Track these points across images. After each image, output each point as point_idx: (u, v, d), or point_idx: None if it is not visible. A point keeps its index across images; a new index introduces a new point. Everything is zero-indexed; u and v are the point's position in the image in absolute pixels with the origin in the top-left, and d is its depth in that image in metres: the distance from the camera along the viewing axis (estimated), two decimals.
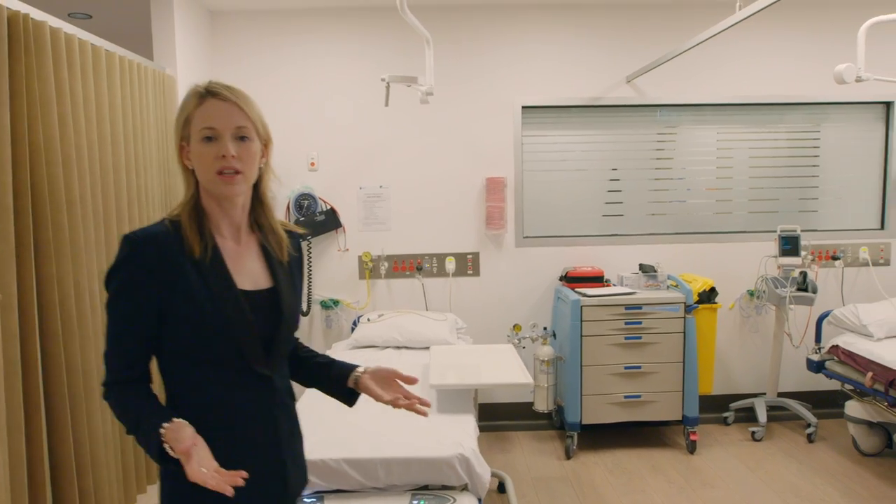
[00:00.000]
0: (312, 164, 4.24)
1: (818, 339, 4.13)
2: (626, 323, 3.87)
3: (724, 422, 4.35)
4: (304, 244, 4.11)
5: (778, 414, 4.38)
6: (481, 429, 4.26)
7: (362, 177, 4.27)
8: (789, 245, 4.05)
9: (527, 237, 4.35)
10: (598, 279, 4.15)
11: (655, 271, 4.11)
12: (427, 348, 3.65)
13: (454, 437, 2.53)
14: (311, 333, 4.33)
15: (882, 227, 4.49)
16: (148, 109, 3.26)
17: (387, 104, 3.33)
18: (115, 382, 1.35)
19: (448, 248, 4.30)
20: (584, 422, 3.90)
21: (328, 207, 4.22)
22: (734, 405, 4.35)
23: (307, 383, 1.65)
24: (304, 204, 4.13)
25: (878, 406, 3.66)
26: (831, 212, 4.52)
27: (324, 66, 4.19)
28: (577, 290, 4.02)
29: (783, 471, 3.68)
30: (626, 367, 3.89)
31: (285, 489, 1.46)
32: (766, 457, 3.86)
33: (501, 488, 3.52)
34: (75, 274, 2.52)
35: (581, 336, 3.85)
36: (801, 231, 4.34)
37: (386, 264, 4.27)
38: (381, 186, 4.27)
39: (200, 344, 1.34)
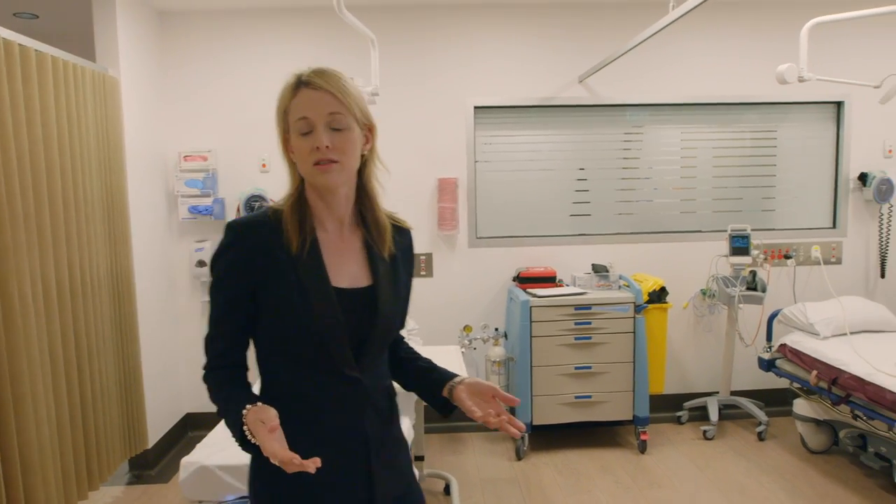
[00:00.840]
0: (264, 165, 4.21)
1: (769, 337, 4.15)
2: (576, 323, 3.87)
3: (678, 421, 4.36)
4: None
5: (731, 412, 4.41)
6: (434, 430, 4.28)
7: None
8: (739, 244, 4.06)
9: (481, 238, 4.34)
10: (550, 279, 4.14)
11: (607, 271, 4.11)
12: None
13: None
14: None
15: (834, 226, 4.52)
16: (86, 111, 3.22)
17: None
18: (212, 367, 1.36)
19: None
20: (534, 422, 3.90)
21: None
22: (688, 404, 4.36)
23: (405, 386, 1.58)
24: (254, 205, 4.10)
25: (823, 404, 3.68)
26: (788, 211, 4.55)
27: (275, 67, 4.15)
28: (528, 290, 4.01)
29: (731, 469, 3.70)
30: (576, 368, 3.89)
31: (372, 494, 1.39)
32: (717, 455, 3.87)
33: (447, 490, 3.51)
34: (3, 276, 2.49)
35: (531, 336, 3.84)
36: (758, 230, 4.39)
37: None
38: None
39: (288, 339, 1.33)
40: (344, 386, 1.36)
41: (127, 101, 3.64)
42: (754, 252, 4.36)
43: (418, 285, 4.30)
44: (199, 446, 2.56)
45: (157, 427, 3.91)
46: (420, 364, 1.56)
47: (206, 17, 4.13)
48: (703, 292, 4.33)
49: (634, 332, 3.88)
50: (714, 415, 4.14)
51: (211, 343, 1.37)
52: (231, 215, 4.18)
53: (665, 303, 4.04)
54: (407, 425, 2.76)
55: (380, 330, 1.38)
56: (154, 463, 3.85)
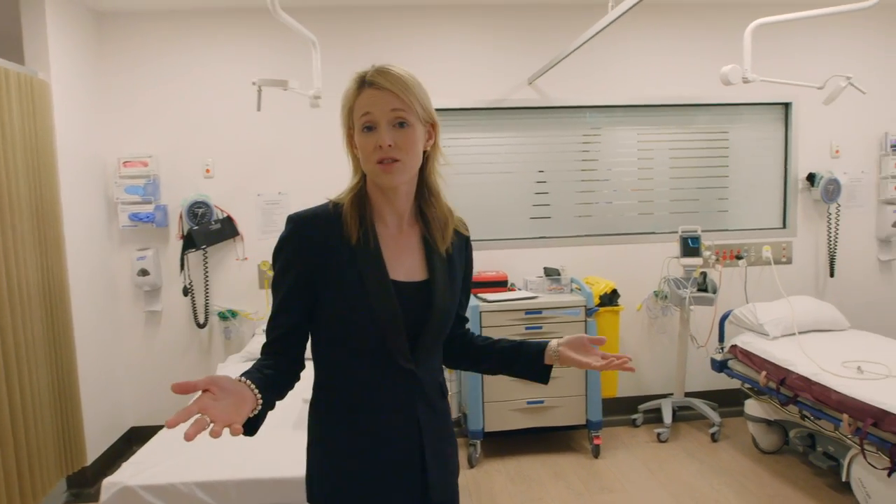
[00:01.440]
0: (208, 170, 4.10)
1: (721, 338, 4.15)
2: (527, 328, 3.82)
3: (633, 423, 4.34)
4: (199, 254, 4.02)
5: (686, 414, 4.40)
6: None
7: (260, 183, 4.14)
8: (690, 245, 4.06)
9: None
10: (501, 283, 4.09)
11: (559, 274, 4.08)
12: None
13: None
14: (210, 346, 4.19)
15: (784, 227, 4.54)
16: (12, 115, 3.09)
17: (259, 108, 3.22)
18: (265, 351, 1.38)
19: None
20: (487, 429, 3.84)
21: (224, 215, 4.08)
22: (642, 407, 4.34)
23: (492, 370, 1.61)
24: (198, 212, 3.98)
25: (773, 405, 3.68)
26: (740, 211, 4.56)
27: (217, 70, 4.05)
28: (478, 295, 3.96)
29: (683, 472, 3.68)
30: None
31: (425, 487, 1.41)
32: (669, 458, 3.85)
33: None
34: None
35: None
36: (711, 231, 4.40)
37: None
38: (279, 193, 4.15)
39: (345, 330, 1.35)
40: (399, 378, 1.38)
41: (59, 105, 3.51)
42: (706, 253, 4.37)
43: None
44: (124, 465, 2.45)
45: (97, 442, 3.77)
46: (503, 345, 1.58)
47: (145, 19, 4.01)
48: (656, 294, 4.31)
49: None
50: (667, 417, 4.13)
51: (271, 328, 1.39)
52: (174, 222, 4.07)
53: (617, 305, 4.02)
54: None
55: (434, 324, 1.40)
56: (93, 481, 3.70)
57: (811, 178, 4.43)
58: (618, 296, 4.03)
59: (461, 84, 4.20)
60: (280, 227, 4.03)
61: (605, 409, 4.29)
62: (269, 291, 4.09)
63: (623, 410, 4.39)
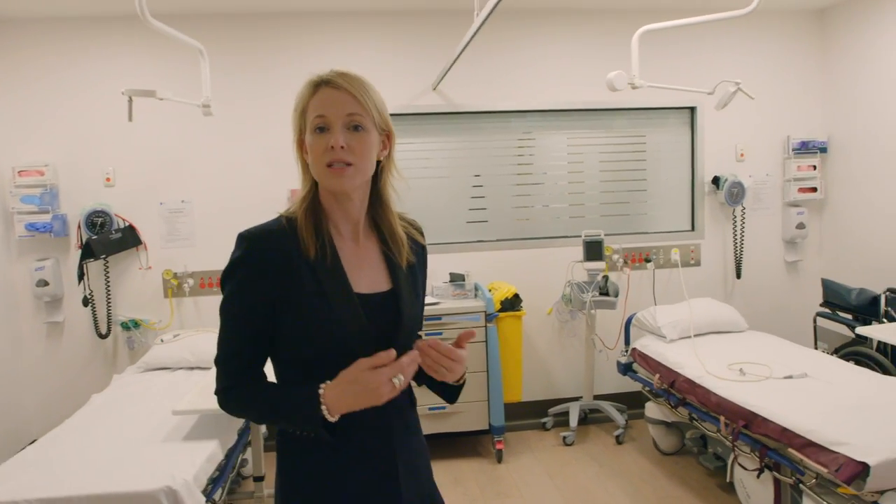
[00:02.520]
0: (108, 179, 4.05)
1: (626, 341, 4.19)
2: (427, 334, 3.82)
3: (544, 427, 4.36)
4: (101, 264, 3.97)
5: (596, 416, 4.43)
6: None
7: (163, 191, 4.10)
8: (593, 249, 4.09)
9: None
10: None
11: (464, 280, 4.09)
12: None
13: (173, 468, 2.41)
14: (114, 356, 4.13)
15: (693, 229, 4.60)
16: None
17: (130, 119, 3.18)
18: (232, 386, 1.29)
19: None
20: None
21: (126, 224, 4.04)
22: (552, 410, 4.37)
23: (417, 381, 1.46)
24: (97, 221, 3.93)
25: (667, 407, 3.72)
26: (656, 214, 4.62)
27: (116, 79, 3.98)
28: None
29: (581, 475, 3.70)
30: None
31: (399, 499, 1.36)
32: (572, 461, 3.88)
33: None
34: None
35: None
36: (626, 234, 4.45)
37: (191, 281, 4.11)
38: (182, 201, 4.11)
39: (311, 349, 1.28)
40: None
41: None
42: (615, 257, 4.42)
43: None
44: None
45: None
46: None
47: (37, 25, 3.94)
48: (563, 298, 4.34)
49: (486, 341, 3.86)
50: (574, 420, 4.15)
51: (227, 363, 1.30)
52: (73, 232, 4.01)
53: (518, 310, 4.04)
54: (208, 452, 2.64)
55: (403, 334, 1.35)
56: None
57: (716, 181, 4.49)
58: (520, 301, 4.04)
59: None
60: (184, 235, 4.00)
61: (517, 414, 4.34)
62: (172, 300, 4.09)
63: (534, 414, 4.41)
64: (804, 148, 4.53)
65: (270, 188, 4.15)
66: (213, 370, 1.34)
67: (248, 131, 4.12)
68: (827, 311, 4.16)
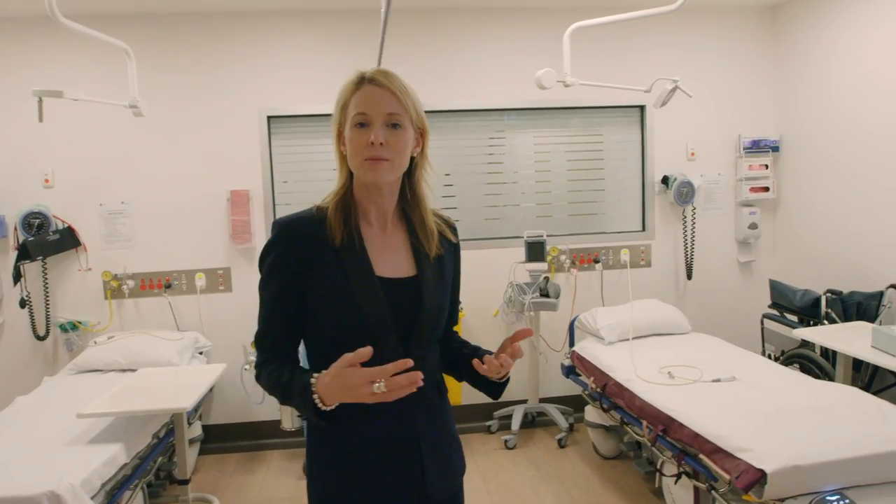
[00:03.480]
0: (47, 180, 4.03)
1: (571, 343, 4.13)
2: None
3: (488, 430, 4.31)
4: (38, 265, 3.95)
5: (543, 419, 4.38)
6: (237, 449, 4.13)
7: (103, 193, 4.08)
8: (534, 250, 4.04)
9: None
10: None
11: None
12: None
13: (62, 472, 2.38)
14: (54, 358, 4.11)
15: (643, 229, 4.54)
16: None
17: (40, 119, 3.14)
18: (265, 362, 1.38)
19: (198, 264, 4.15)
20: None
21: (65, 226, 4.01)
22: (497, 413, 4.32)
23: (458, 377, 1.57)
24: (34, 223, 3.91)
25: (603, 410, 3.66)
26: (614, 214, 4.56)
27: (58, 78, 3.95)
28: None
29: (516, 480, 3.65)
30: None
31: (423, 487, 1.41)
32: (509, 466, 3.83)
33: None
34: None
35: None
36: (579, 234, 4.42)
37: (131, 283, 4.08)
38: (122, 202, 4.09)
39: (335, 330, 1.35)
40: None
41: None
42: (562, 257, 4.36)
43: (218, 300, 4.18)
44: None
45: None
46: (465, 351, 1.54)
47: None
48: (505, 300, 4.29)
49: None
50: (516, 424, 4.10)
51: (261, 340, 1.40)
52: (10, 234, 3.99)
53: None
54: (107, 455, 2.61)
55: (425, 320, 1.39)
56: None
57: (665, 180, 4.42)
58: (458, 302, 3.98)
59: (311, 90, 4.15)
60: (124, 236, 3.98)
61: (462, 416, 4.28)
62: (111, 302, 4.07)
63: (480, 417, 4.36)
64: (755, 147, 4.46)
65: (213, 190, 4.12)
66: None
67: (187, 132, 4.09)
68: (774, 312, 4.09)
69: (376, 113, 1.31)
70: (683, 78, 4.34)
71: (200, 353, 4.04)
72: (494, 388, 1.52)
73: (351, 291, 1.33)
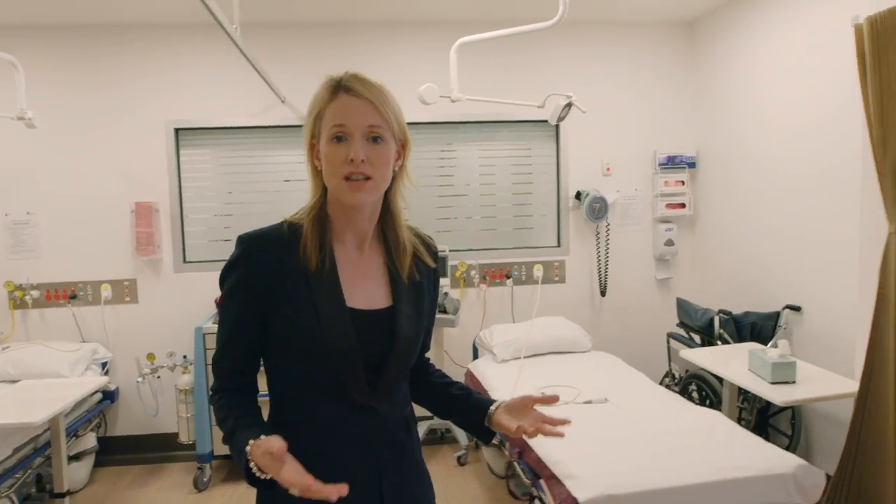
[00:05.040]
0: None
1: (475, 359, 4.09)
2: None
3: (441, 437, 4.27)
4: None
5: (450, 436, 4.33)
6: (139, 461, 4.11)
7: (8, 203, 4.10)
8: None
9: (190, 262, 4.23)
10: None
11: None
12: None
13: None
14: None
15: (558, 245, 4.49)
16: None
17: None
18: (220, 389, 1.28)
19: (104, 275, 4.15)
20: (216, 453, 3.79)
21: None
22: None
23: (439, 414, 1.50)
24: None
25: None
26: (539, 228, 4.51)
27: None
28: None
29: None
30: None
31: None
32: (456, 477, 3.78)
33: None
34: None
35: (206, 364, 3.73)
36: (498, 249, 4.40)
37: (36, 293, 4.10)
38: (28, 213, 4.10)
39: (297, 362, 1.25)
40: (357, 415, 1.27)
41: None
42: (472, 272, 4.33)
43: (124, 311, 4.19)
44: None
45: None
46: (454, 392, 1.47)
47: None
48: None
49: None
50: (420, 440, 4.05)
51: (218, 363, 1.29)
52: None
53: None
54: None
55: (398, 355, 1.29)
56: None
57: (579, 195, 4.37)
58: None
59: (218, 102, 4.16)
60: (29, 247, 3.97)
61: None
62: (14, 312, 4.08)
63: None
64: (671, 163, 4.40)
65: (119, 202, 4.13)
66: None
67: (92, 143, 4.10)
68: (678, 332, 4.03)
69: (355, 125, 1.20)
70: (602, 93, 4.35)
71: (104, 364, 4.05)
72: (489, 434, 1.41)
73: (318, 324, 1.22)
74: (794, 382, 2.90)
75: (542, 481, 2.56)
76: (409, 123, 1.31)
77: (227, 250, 1.32)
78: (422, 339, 1.39)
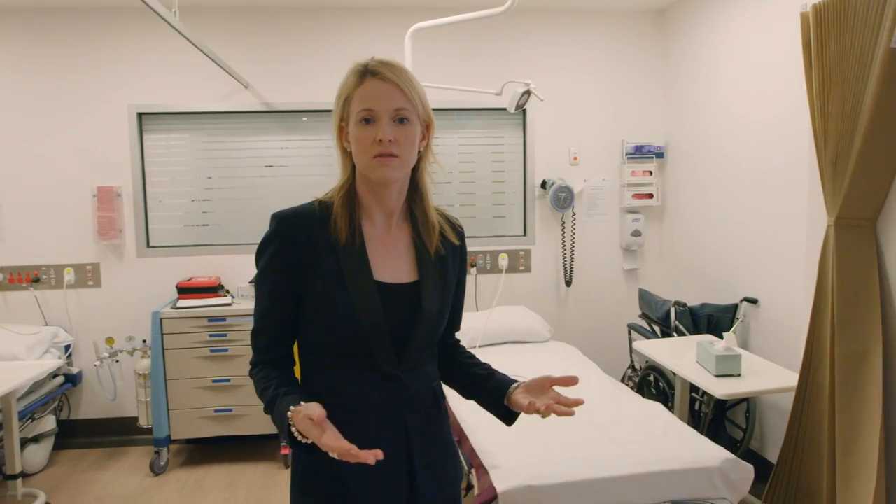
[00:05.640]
0: None
1: None
2: (211, 335, 3.77)
3: None
4: None
5: None
6: (101, 444, 4.14)
7: None
8: None
9: (154, 247, 4.23)
10: (213, 289, 4.04)
11: None
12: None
13: None
14: None
15: (524, 234, 4.46)
16: None
17: None
18: (258, 363, 1.35)
19: (67, 258, 4.16)
20: (173, 437, 3.81)
21: None
22: None
23: (463, 394, 1.53)
24: None
25: None
26: (509, 216, 4.49)
27: None
28: (182, 300, 3.92)
29: None
30: (214, 381, 3.80)
31: (414, 499, 1.37)
32: None
33: None
34: None
35: (163, 349, 3.74)
36: (483, 237, 4.41)
37: None
38: None
39: (328, 333, 1.31)
40: (385, 385, 1.33)
41: None
42: None
43: (88, 296, 4.19)
44: None
45: None
46: (477, 371, 1.50)
47: None
48: None
49: None
50: None
51: (255, 337, 1.36)
52: None
53: None
54: None
55: (423, 328, 1.35)
56: None
57: (544, 184, 4.34)
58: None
59: (181, 87, 4.14)
60: None
61: None
62: None
63: None
64: (639, 152, 4.35)
65: (82, 186, 4.12)
66: None
67: (55, 127, 4.09)
68: (639, 323, 4.00)
69: (383, 109, 1.26)
70: (571, 81, 4.30)
71: (67, 348, 4.07)
72: (510, 415, 1.42)
73: (346, 296, 1.29)
74: (738, 376, 2.88)
75: (472, 470, 2.55)
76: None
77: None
78: (447, 313, 1.43)
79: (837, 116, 2.47)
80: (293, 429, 1.19)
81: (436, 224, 1.41)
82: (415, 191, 1.41)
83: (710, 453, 2.37)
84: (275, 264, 1.31)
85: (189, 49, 4.00)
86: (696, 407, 3.58)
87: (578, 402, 1.30)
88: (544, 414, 1.27)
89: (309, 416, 1.14)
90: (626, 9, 4.34)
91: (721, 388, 2.74)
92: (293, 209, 1.35)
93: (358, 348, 1.30)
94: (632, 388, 3.99)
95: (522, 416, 1.39)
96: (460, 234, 1.49)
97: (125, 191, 4.16)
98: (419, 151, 1.36)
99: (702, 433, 3.54)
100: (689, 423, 3.64)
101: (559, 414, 1.27)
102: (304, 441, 1.18)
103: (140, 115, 4.16)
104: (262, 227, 1.34)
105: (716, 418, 3.60)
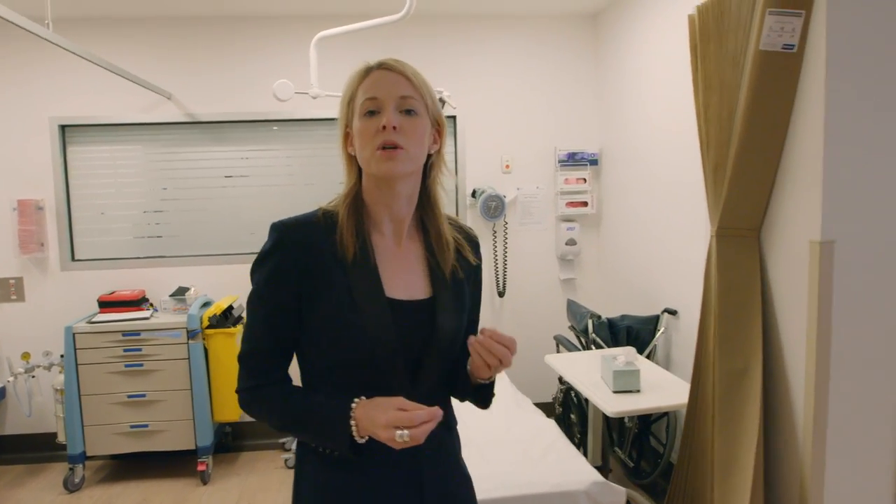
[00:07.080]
0: None
1: None
2: (125, 350, 3.71)
3: (283, 447, 4.20)
4: None
5: None
6: (25, 461, 4.08)
7: None
8: None
9: (79, 260, 4.18)
10: (136, 303, 3.98)
11: (184, 294, 3.96)
12: None
13: None
14: None
15: None
16: None
17: None
18: (260, 385, 1.21)
19: None
20: (89, 453, 3.75)
21: None
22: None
23: (454, 395, 1.39)
24: None
25: None
26: None
27: None
28: (102, 314, 3.86)
29: (271, 501, 3.54)
30: (129, 396, 3.73)
31: None
32: (273, 486, 3.71)
33: None
34: None
35: (76, 364, 3.69)
36: None
37: None
38: None
39: (335, 356, 1.19)
40: None
41: None
42: None
43: (11, 310, 4.15)
44: None
45: None
46: (461, 364, 1.35)
47: None
48: None
49: (189, 359, 3.72)
50: (294, 443, 3.97)
51: (253, 360, 1.22)
52: None
53: (231, 327, 3.87)
54: None
55: (438, 348, 1.23)
56: None
57: (474, 193, 4.25)
58: (234, 317, 3.89)
59: (105, 99, 4.10)
60: None
61: (257, 433, 4.21)
62: None
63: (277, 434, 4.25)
64: (572, 160, 4.26)
65: (2, 199, 4.08)
66: None
67: None
68: (563, 335, 3.90)
69: (387, 97, 1.16)
70: (503, 88, 4.23)
71: None
72: (483, 392, 1.32)
73: (357, 314, 1.16)
74: (638, 391, 2.77)
75: None
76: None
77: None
78: (462, 335, 1.29)
79: (717, 121, 2.37)
80: (353, 424, 1.10)
81: (450, 241, 1.29)
82: (426, 202, 1.29)
83: (579, 476, 2.28)
84: (276, 279, 1.18)
85: (116, 59, 3.99)
86: (623, 421, 3.48)
87: (512, 341, 1.19)
88: (479, 348, 1.17)
89: (401, 407, 1.08)
90: (557, 14, 4.26)
91: (613, 406, 2.63)
92: (295, 218, 1.22)
93: (367, 371, 1.18)
94: (558, 405, 3.89)
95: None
96: (476, 248, 1.37)
97: (48, 204, 4.11)
98: (430, 155, 1.25)
99: (626, 448, 3.46)
100: (611, 440, 3.55)
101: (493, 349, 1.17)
102: (360, 441, 1.11)
103: (63, 127, 4.12)
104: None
105: (640, 433, 3.50)
